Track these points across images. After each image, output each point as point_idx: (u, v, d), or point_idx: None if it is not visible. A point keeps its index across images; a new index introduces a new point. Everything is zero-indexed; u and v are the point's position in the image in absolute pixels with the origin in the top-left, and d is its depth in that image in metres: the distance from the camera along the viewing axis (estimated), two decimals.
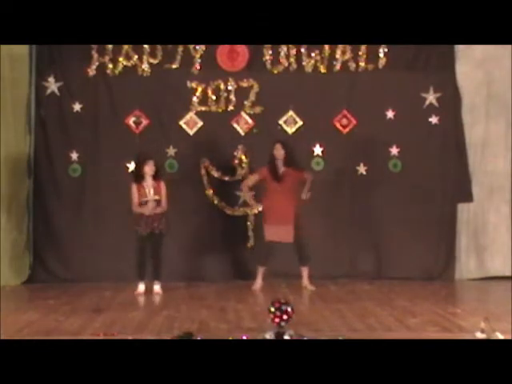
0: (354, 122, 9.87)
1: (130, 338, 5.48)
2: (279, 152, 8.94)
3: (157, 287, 8.68)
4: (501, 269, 9.81)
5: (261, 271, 8.95)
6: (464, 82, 9.86)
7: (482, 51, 9.65)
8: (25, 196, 9.77)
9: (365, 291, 8.74)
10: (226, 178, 9.80)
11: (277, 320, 5.22)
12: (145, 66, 9.79)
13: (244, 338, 5.29)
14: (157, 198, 8.68)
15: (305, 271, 8.97)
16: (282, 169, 8.96)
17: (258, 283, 8.92)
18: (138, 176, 8.73)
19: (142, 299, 8.34)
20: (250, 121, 9.86)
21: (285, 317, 5.21)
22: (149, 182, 8.71)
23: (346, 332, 5.94)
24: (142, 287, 8.65)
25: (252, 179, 9.19)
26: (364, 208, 9.81)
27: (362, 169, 9.86)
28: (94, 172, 9.77)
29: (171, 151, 9.82)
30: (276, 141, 9.07)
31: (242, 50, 9.84)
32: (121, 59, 9.78)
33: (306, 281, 8.95)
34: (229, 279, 9.53)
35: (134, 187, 8.71)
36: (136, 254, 8.72)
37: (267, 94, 9.79)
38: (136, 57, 9.78)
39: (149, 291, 8.61)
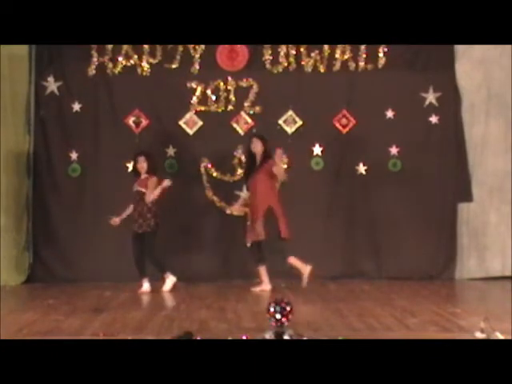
0: (353, 121, 9.87)
1: (129, 338, 5.47)
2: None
3: (145, 286, 8.73)
4: (501, 269, 9.81)
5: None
6: (464, 81, 9.86)
7: (481, 51, 9.66)
8: (24, 196, 9.77)
9: (365, 291, 8.73)
10: (226, 178, 9.80)
11: (281, 320, 5.21)
12: (144, 65, 9.79)
13: (244, 337, 5.29)
14: (139, 189, 8.76)
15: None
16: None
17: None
18: (135, 172, 8.97)
19: (142, 299, 8.34)
20: (249, 121, 9.86)
21: (289, 316, 5.20)
22: (141, 177, 8.86)
23: (345, 332, 5.93)
24: (145, 286, 8.71)
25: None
26: (364, 208, 9.82)
27: (361, 169, 9.86)
28: (93, 172, 9.78)
29: (171, 151, 9.82)
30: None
31: (242, 50, 9.85)
32: (121, 59, 9.79)
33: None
34: (229, 279, 9.53)
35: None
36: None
37: (267, 93, 9.80)
38: (136, 57, 9.79)
39: (153, 290, 8.67)
